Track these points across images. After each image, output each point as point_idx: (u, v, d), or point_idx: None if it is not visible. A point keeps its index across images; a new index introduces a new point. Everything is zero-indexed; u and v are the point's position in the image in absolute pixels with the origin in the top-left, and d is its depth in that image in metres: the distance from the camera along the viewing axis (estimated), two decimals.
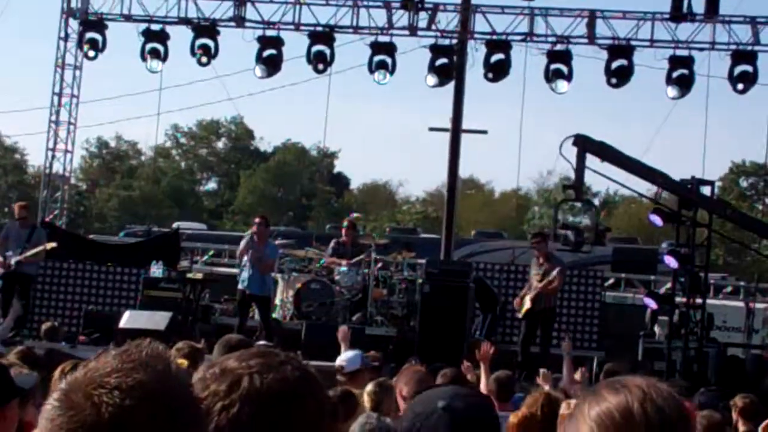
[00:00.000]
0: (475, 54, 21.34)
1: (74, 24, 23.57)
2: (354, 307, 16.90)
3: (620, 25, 21.73)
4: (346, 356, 9.00)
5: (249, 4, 22.38)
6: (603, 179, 17.02)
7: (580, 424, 2.08)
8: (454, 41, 21.28)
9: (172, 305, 16.02)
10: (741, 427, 8.31)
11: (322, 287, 16.79)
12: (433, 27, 22.07)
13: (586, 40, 21.71)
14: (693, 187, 16.37)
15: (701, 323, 16.14)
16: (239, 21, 22.37)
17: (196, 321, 16.76)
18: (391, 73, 21.97)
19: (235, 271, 18.94)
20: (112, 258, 19.24)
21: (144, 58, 22.49)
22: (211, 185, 75.16)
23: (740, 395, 8.61)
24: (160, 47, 22.49)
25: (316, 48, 22.03)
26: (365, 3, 22.15)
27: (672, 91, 21.44)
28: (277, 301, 17.29)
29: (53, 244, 16.18)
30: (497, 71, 21.70)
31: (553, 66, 21.51)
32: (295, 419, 1.96)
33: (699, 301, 16.30)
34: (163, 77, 23.62)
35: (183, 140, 74.11)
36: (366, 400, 6.68)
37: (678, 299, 16.52)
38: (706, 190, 16.75)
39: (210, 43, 22.36)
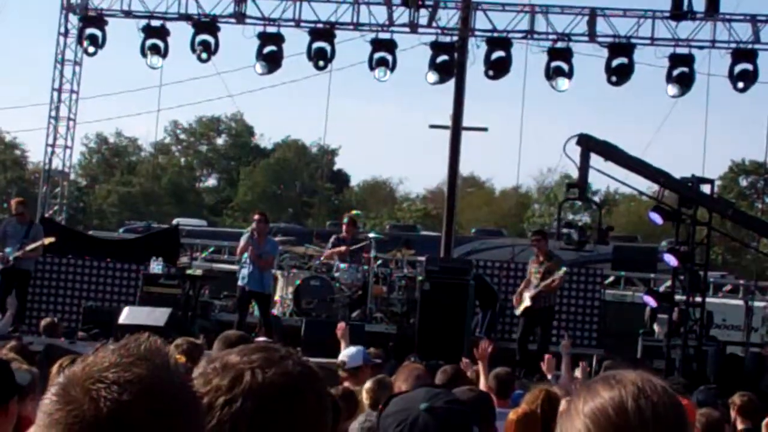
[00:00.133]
0: (476, 51, 21.38)
1: (74, 20, 23.58)
2: (354, 304, 16.90)
3: (621, 23, 21.81)
4: (348, 352, 8.98)
5: (249, 1, 22.38)
6: (603, 177, 17.03)
7: (575, 419, 2.05)
8: (455, 38, 21.24)
9: (172, 301, 16.04)
10: (739, 424, 8.32)
11: (321, 284, 16.79)
12: (434, 24, 22.08)
13: (586, 38, 21.71)
14: (693, 186, 16.37)
15: (701, 321, 16.14)
16: (240, 17, 22.36)
17: (195, 317, 16.75)
18: (392, 70, 21.98)
19: (234, 267, 18.98)
20: (112, 254, 19.23)
21: (144, 54, 22.51)
22: (211, 182, 75.09)
23: (738, 393, 8.62)
24: (161, 43, 22.50)
25: (316, 45, 22.04)
26: (366, 0, 22.15)
27: (672, 90, 21.45)
28: (277, 298, 17.29)
29: (51, 239, 16.13)
30: (498, 68, 21.71)
31: (553, 63, 21.52)
32: (296, 414, 1.97)
33: (698, 299, 16.30)
34: (163, 73, 23.64)
35: (183, 136, 74.02)
36: (364, 397, 6.68)
37: (677, 297, 16.53)
38: (706, 189, 16.76)
39: (210, 39, 22.36)
